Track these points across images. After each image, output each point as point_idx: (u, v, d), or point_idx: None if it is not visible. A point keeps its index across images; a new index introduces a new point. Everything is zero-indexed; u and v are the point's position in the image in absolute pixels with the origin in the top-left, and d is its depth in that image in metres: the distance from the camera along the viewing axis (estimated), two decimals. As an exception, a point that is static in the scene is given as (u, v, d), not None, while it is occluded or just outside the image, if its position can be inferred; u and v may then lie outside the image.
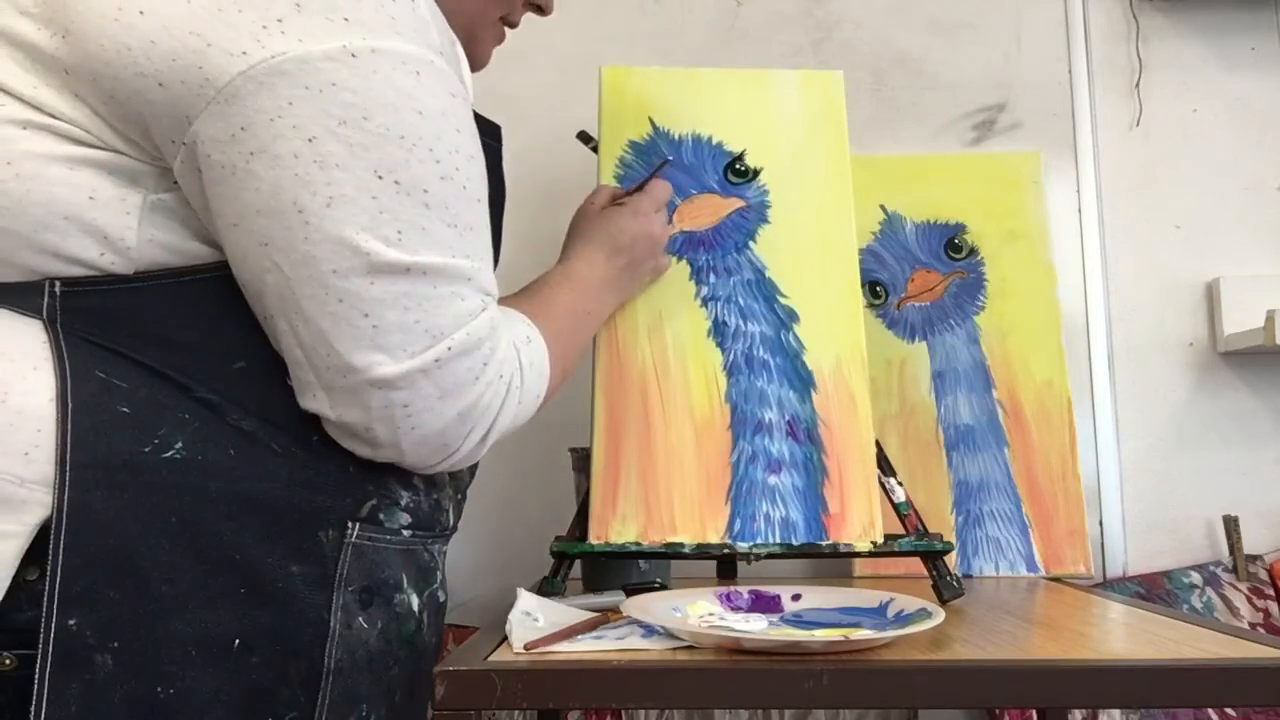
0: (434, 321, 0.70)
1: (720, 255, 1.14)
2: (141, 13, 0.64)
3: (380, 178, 0.67)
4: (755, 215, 1.16)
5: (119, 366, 0.68)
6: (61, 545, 0.63)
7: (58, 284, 0.68)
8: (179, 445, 0.67)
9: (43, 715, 0.62)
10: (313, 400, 0.72)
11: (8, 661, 0.64)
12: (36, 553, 0.64)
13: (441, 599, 0.86)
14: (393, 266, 0.68)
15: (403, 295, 0.69)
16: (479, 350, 0.73)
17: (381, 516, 0.77)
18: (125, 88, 0.65)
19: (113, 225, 0.68)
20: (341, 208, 0.66)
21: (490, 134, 0.90)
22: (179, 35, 0.64)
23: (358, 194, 0.66)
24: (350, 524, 0.74)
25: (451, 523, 0.88)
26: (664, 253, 1.07)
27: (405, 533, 0.79)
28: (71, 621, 0.63)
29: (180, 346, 0.70)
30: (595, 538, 1.02)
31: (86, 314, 0.68)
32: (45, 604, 0.62)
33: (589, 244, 0.98)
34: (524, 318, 0.84)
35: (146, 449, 0.67)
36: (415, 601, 0.80)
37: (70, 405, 0.65)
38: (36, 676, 0.62)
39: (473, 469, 0.90)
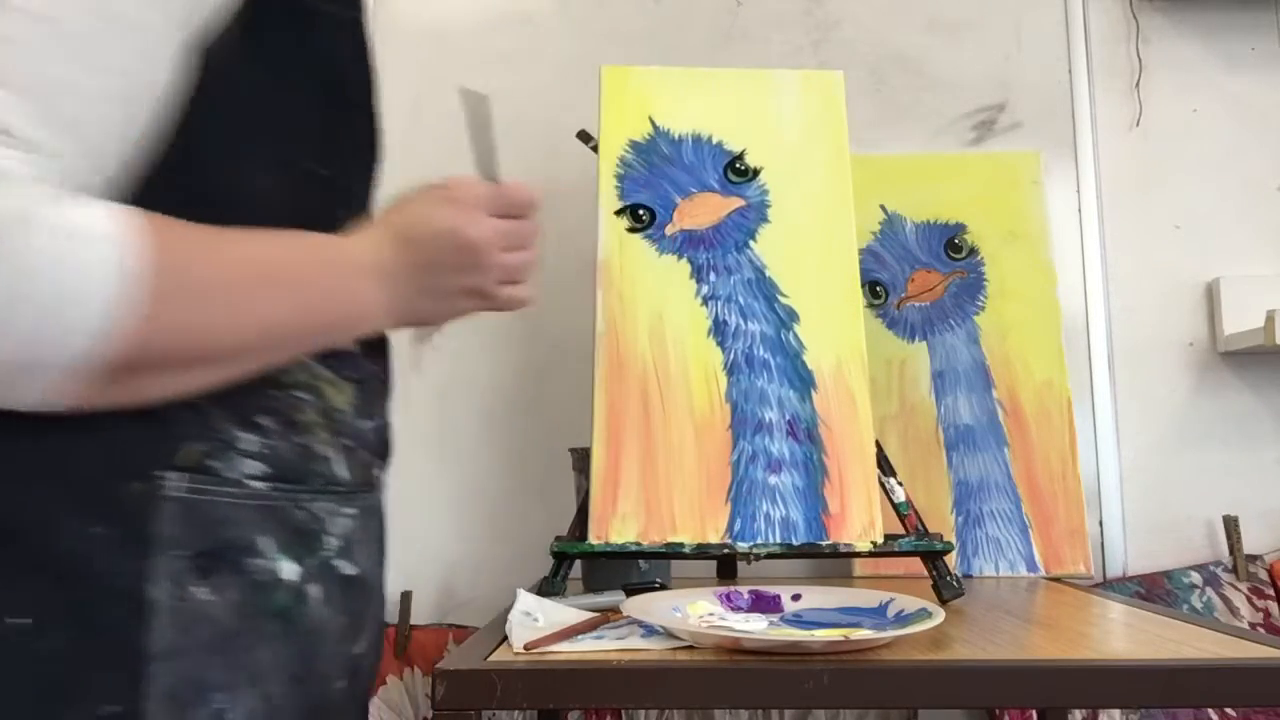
0: None
1: (720, 254, 1.14)
2: None
3: None
4: (755, 214, 1.16)
5: None
6: None
7: None
8: None
9: None
10: None
11: None
12: None
13: (349, 571, 0.70)
14: None
15: None
16: None
17: (214, 464, 0.63)
18: None
19: None
20: None
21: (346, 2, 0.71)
22: None
23: None
24: (161, 474, 0.61)
25: (344, 476, 0.70)
26: (502, 279, 0.75)
27: (257, 484, 0.65)
28: None
29: None
30: (595, 538, 1.02)
31: None
32: None
33: (386, 222, 0.71)
34: (120, 218, 0.54)
35: None
36: (288, 569, 0.65)
37: None
38: None
39: (362, 405, 0.73)
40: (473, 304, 0.75)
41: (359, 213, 0.72)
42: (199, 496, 0.62)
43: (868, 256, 1.48)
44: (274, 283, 0.62)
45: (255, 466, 0.65)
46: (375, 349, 0.76)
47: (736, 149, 1.18)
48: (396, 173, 1.88)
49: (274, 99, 0.66)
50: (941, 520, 1.38)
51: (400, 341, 1.62)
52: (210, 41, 0.61)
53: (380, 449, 0.77)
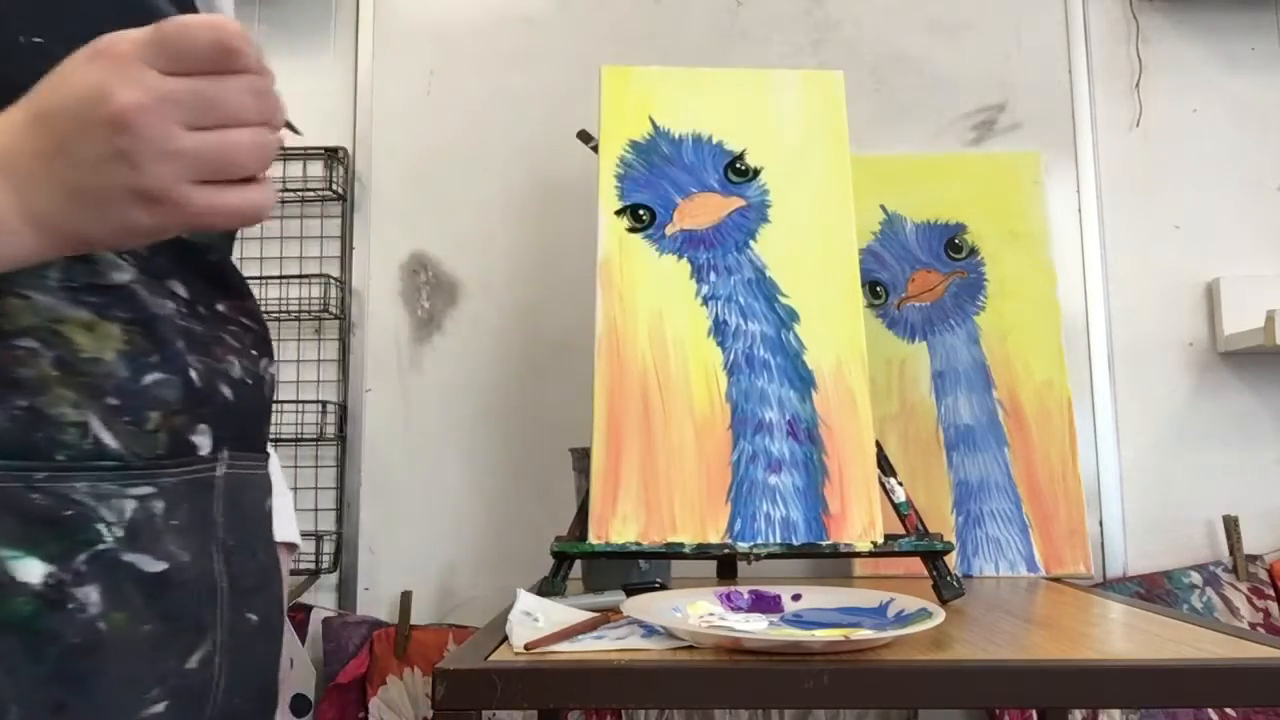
0: None
1: (721, 254, 1.14)
2: None
3: None
4: (755, 214, 1.16)
5: None
6: None
7: None
8: None
9: None
10: None
11: None
12: None
13: (151, 567, 0.55)
14: None
15: None
16: None
17: None
18: None
19: None
20: None
21: None
22: None
23: None
24: None
25: (118, 446, 0.54)
26: (186, 173, 0.46)
27: None
28: None
29: None
30: (595, 538, 1.02)
31: None
32: None
33: (24, 100, 0.47)
34: None
35: None
36: (30, 568, 0.50)
37: None
38: None
39: (140, 360, 0.55)
40: (152, 216, 0.46)
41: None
42: None
43: (868, 256, 1.48)
44: None
45: None
46: (186, 275, 0.58)
47: (736, 149, 1.18)
48: (400, 170, 1.88)
49: None
50: (941, 520, 1.38)
51: (400, 341, 1.62)
52: None
53: (185, 405, 0.57)
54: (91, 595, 0.52)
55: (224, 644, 0.58)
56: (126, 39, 0.45)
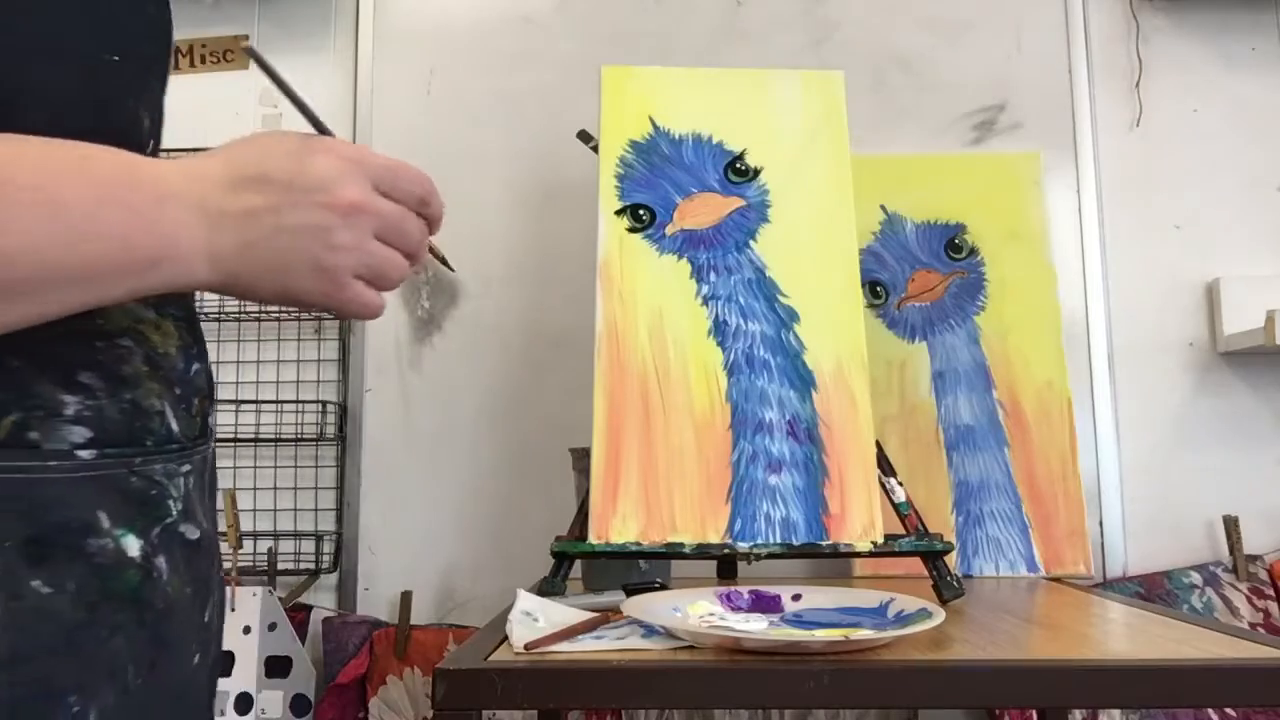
0: None
1: (721, 254, 1.14)
2: None
3: None
4: (756, 214, 1.16)
5: None
6: None
7: None
8: None
9: None
10: None
11: None
12: None
13: (194, 535, 0.62)
14: None
15: None
16: None
17: (35, 435, 0.54)
18: None
19: None
20: None
21: None
22: None
23: None
24: None
25: (177, 430, 0.61)
26: (360, 270, 0.58)
27: (84, 454, 0.56)
28: None
29: None
30: (595, 538, 1.02)
31: None
32: None
33: (224, 153, 0.57)
34: None
35: None
36: (131, 545, 0.57)
37: None
38: None
39: (188, 347, 0.64)
40: (316, 286, 0.57)
41: (158, 117, 0.60)
42: (19, 476, 0.54)
43: (868, 256, 1.48)
44: (46, 195, 0.49)
45: (81, 433, 0.56)
46: None
47: (737, 149, 1.18)
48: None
49: None
50: (941, 520, 1.38)
51: (400, 341, 1.62)
52: None
53: (209, 391, 0.66)
54: (162, 564, 0.59)
55: (217, 596, 0.65)
56: (361, 150, 0.58)
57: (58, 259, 0.49)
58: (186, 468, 0.62)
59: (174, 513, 0.60)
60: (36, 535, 0.53)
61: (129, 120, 0.58)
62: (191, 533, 0.62)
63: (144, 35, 0.60)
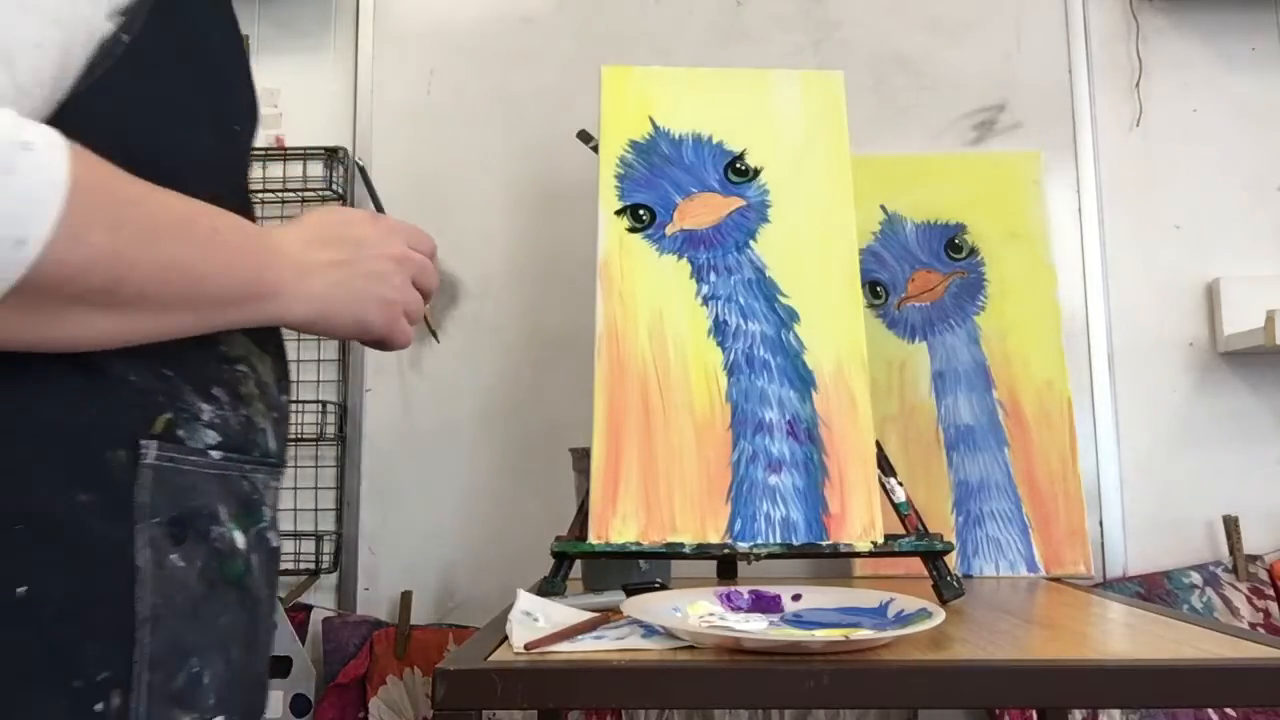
0: None
1: (721, 254, 1.14)
2: None
3: None
4: (756, 214, 1.16)
5: None
6: None
7: None
8: None
9: None
10: None
11: None
12: None
13: (274, 544, 0.73)
14: None
15: None
16: None
17: (182, 433, 0.65)
18: None
19: None
20: None
21: None
22: None
23: None
24: (143, 442, 0.62)
25: (273, 448, 0.74)
26: (404, 307, 0.78)
27: (214, 454, 0.68)
28: None
29: None
30: (595, 538, 1.02)
31: None
32: None
33: (299, 222, 0.74)
34: (59, 143, 0.54)
35: None
36: (239, 538, 0.68)
37: None
38: None
39: (280, 379, 0.76)
40: (380, 318, 0.76)
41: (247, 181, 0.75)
42: (170, 464, 0.64)
43: (868, 256, 1.48)
44: (189, 232, 0.62)
45: (211, 436, 0.67)
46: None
47: (737, 149, 1.18)
48: (400, 169, 1.87)
49: (191, 58, 0.67)
50: (941, 520, 1.38)
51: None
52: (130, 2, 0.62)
53: (288, 423, 0.79)
54: (255, 562, 0.70)
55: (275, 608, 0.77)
56: (392, 221, 0.77)
57: (204, 288, 0.64)
58: (275, 483, 0.74)
59: (265, 519, 0.72)
60: (178, 516, 0.64)
61: (243, 183, 0.72)
62: (274, 540, 0.73)
63: (251, 109, 0.72)
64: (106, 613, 0.60)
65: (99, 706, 0.59)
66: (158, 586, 0.62)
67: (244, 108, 0.72)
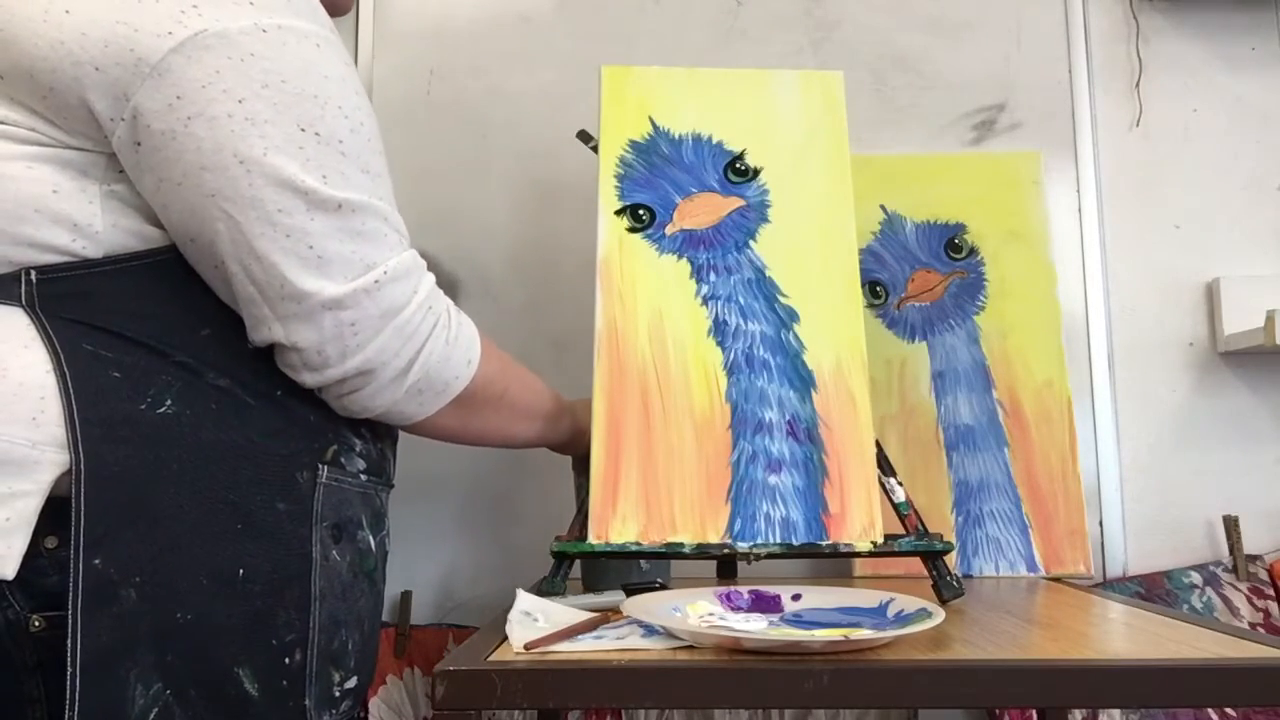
0: (367, 251, 0.80)
1: (720, 254, 1.14)
2: (68, 11, 0.74)
3: (303, 130, 0.77)
4: (755, 214, 1.16)
5: (102, 339, 0.76)
6: (82, 493, 0.70)
7: (33, 272, 0.75)
8: (169, 402, 0.76)
9: (79, 646, 0.68)
10: (268, 332, 0.80)
11: (37, 624, 0.71)
12: (53, 521, 0.70)
13: (388, 547, 0.96)
14: (327, 203, 0.78)
15: (338, 229, 0.79)
16: (408, 279, 0.84)
17: (343, 460, 0.87)
18: (63, 77, 0.74)
19: (80, 214, 0.76)
20: (277, 156, 0.76)
21: None
22: (107, 25, 0.73)
23: (286, 144, 0.76)
24: (320, 466, 0.84)
25: (393, 474, 0.98)
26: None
27: (362, 477, 0.89)
28: (97, 561, 0.70)
29: (152, 318, 0.78)
30: (595, 537, 1.02)
31: (63, 297, 0.76)
32: (72, 546, 0.69)
33: (573, 408, 1.16)
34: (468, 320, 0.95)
35: (142, 406, 0.75)
36: (372, 541, 0.90)
37: (68, 373, 0.73)
38: (69, 612, 0.68)
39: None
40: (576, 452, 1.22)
41: None
42: (335, 483, 0.85)
43: (868, 256, 1.48)
44: (519, 365, 1.03)
45: (361, 463, 0.89)
46: None
47: (736, 149, 1.18)
48: (400, 169, 1.88)
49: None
50: (941, 520, 1.38)
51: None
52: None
53: (396, 450, 1.02)
54: (379, 563, 0.92)
55: None
56: None
57: (542, 401, 1.09)
58: (388, 499, 0.96)
59: (386, 528, 0.95)
60: (338, 522, 0.85)
61: None
62: (389, 545, 0.95)
63: None
64: (294, 591, 0.80)
65: (287, 660, 0.79)
66: (324, 574, 0.82)
67: None
